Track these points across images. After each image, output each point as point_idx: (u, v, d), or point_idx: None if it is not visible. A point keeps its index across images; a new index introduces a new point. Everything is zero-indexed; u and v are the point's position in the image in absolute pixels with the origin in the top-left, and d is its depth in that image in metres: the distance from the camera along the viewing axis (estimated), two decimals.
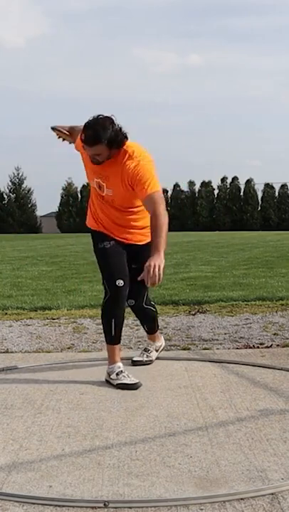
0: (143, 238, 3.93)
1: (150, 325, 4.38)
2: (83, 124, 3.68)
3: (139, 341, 5.16)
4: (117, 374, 3.83)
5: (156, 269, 3.40)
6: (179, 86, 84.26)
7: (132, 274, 3.85)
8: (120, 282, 3.82)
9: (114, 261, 3.87)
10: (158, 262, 3.42)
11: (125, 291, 3.87)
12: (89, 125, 3.61)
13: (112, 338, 3.90)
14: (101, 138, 3.56)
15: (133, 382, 3.79)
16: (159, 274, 3.41)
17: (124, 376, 3.81)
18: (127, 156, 3.69)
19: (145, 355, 4.36)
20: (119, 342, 3.96)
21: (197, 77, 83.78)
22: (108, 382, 3.86)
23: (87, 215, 4.11)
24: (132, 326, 5.72)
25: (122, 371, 3.85)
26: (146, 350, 4.42)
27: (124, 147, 3.69)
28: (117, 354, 3.93)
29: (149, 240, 3.73)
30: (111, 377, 3.85)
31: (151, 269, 3.39)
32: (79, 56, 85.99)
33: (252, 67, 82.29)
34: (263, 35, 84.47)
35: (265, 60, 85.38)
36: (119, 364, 3.90)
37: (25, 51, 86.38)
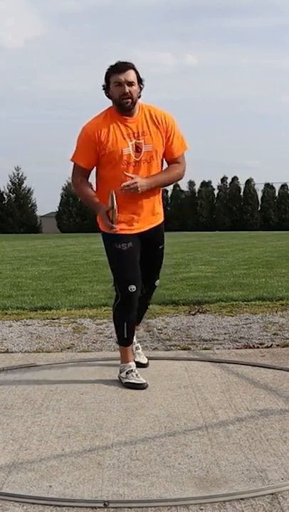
0: (158, 219, 3.97)
1: (145, 311, 4.32)
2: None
3: (140, 341, 5.15)
4: (127, 373, 3.87)
5: (132, 185, 3.71)
6: (176, 86, 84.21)
7: (149, 262, 3.96)
8: (133, 288, 3.80)
9: (128, 265, 3.83)
10: (140, 183, 3.72)
11: (137, 295, 3.87)
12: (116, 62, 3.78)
13: (125, 340, 3.93)
14: (132, 63, 3.77)
15: (140, 382, 3.82)
16: (131, 189, 3.72)
17: (132, 376, 3.85)
18: (150, 107, 3.86)
19: (142, 355, 4.32)
20: (131, 343, 3.99)
21: (194, 78, 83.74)
22: (119, 380, 3.90)
23: (100, 217, 3.86)
24: None
25: (132, 370, 3.88)
26: (137, 348, 4.30)
27: (143, 104, 3.86)
28: (129, 354, 3.97)
29: (160, 221, 3.97)
30: (121, 375, 3.90)
31: (131, 183, 3.71)
32: (77, 57, 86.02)
33: (251, 67, 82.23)
34: (259, 35, 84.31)
35: (264, 60, 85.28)
36: (131, 363, 3.93)
37: (25, 52, 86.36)
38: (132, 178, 3.74)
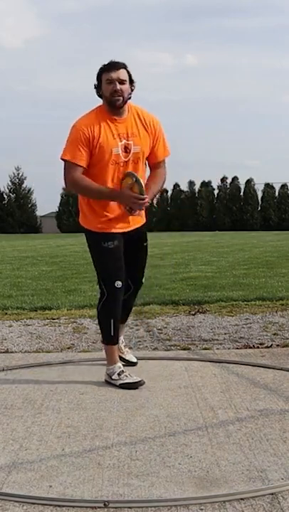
0: (142, 219, 4.04)
1: (130, 311, 4.30)
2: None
3: (140, 341, 5.16)
4: (119, 374, 3.83)
5: (147, 203, 3.77)
6: (176, 86, 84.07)
7: (136, 259, 4.01)
8: (119, 284, 3.82)
9: (115, 262, 3.85)
10: (149, 200, 3.79)
11: (122, 292, 3.88)
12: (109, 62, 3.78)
13: (112, 338, 3.90)
14: (124, 63, 3.77)
15: (136, 380, 3.79)
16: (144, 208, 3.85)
17: (126, 376, 3.81)
18: (138, 109, 3.89)
19: (130, 353, 4.32)
20: (118, 342, 3.97)
21: (194, 78, 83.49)
22: (108, 383, 3.85)
23: (85, 216, 3.94)
24: (131, 326, 5.72)
25: (123, 371, 3.84)
26: (126, 346, 4.35)
27: (131, 105, 3.86)
28: (116, 354, 3.93)
29: (144, 222, 4.04)
30: (112, 377, 3.84)
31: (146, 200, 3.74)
32: (77, 57, 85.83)
33: (251, 67, 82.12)
34: (259, 34, 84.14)
35: (264, 60, 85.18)
36: (119, 364, 3.90)
37: (24, 52, 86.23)
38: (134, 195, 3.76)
